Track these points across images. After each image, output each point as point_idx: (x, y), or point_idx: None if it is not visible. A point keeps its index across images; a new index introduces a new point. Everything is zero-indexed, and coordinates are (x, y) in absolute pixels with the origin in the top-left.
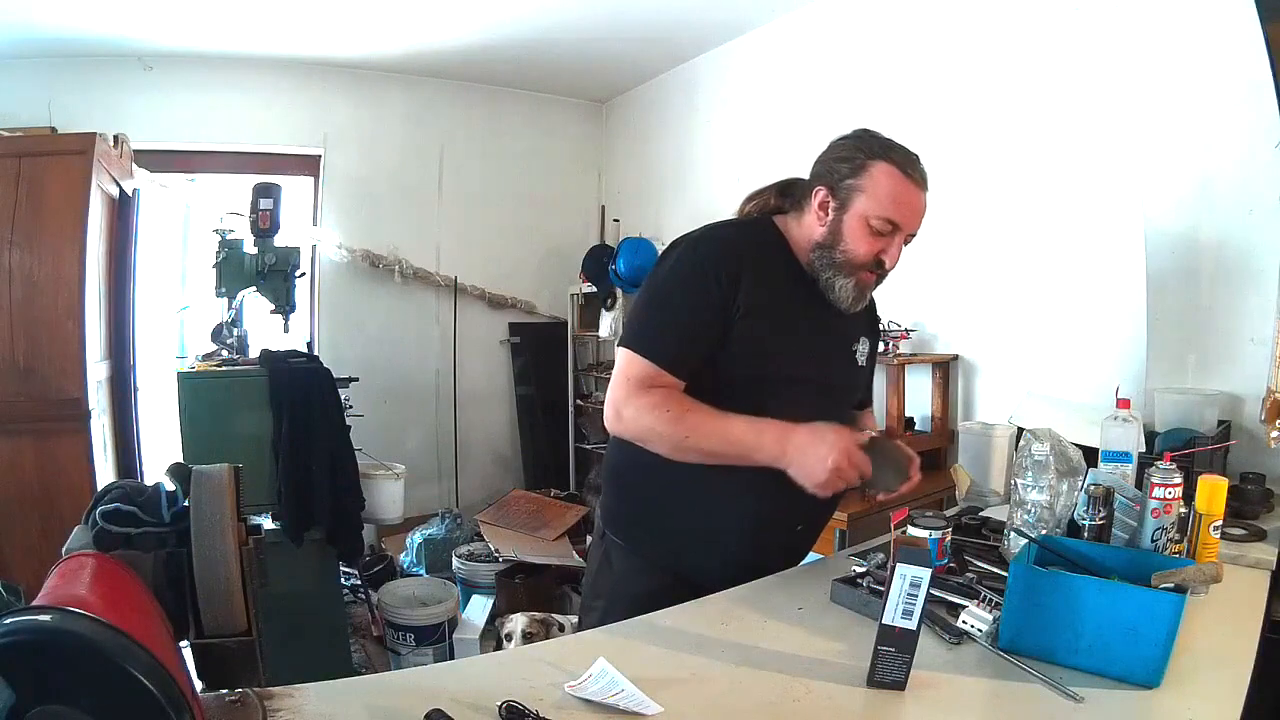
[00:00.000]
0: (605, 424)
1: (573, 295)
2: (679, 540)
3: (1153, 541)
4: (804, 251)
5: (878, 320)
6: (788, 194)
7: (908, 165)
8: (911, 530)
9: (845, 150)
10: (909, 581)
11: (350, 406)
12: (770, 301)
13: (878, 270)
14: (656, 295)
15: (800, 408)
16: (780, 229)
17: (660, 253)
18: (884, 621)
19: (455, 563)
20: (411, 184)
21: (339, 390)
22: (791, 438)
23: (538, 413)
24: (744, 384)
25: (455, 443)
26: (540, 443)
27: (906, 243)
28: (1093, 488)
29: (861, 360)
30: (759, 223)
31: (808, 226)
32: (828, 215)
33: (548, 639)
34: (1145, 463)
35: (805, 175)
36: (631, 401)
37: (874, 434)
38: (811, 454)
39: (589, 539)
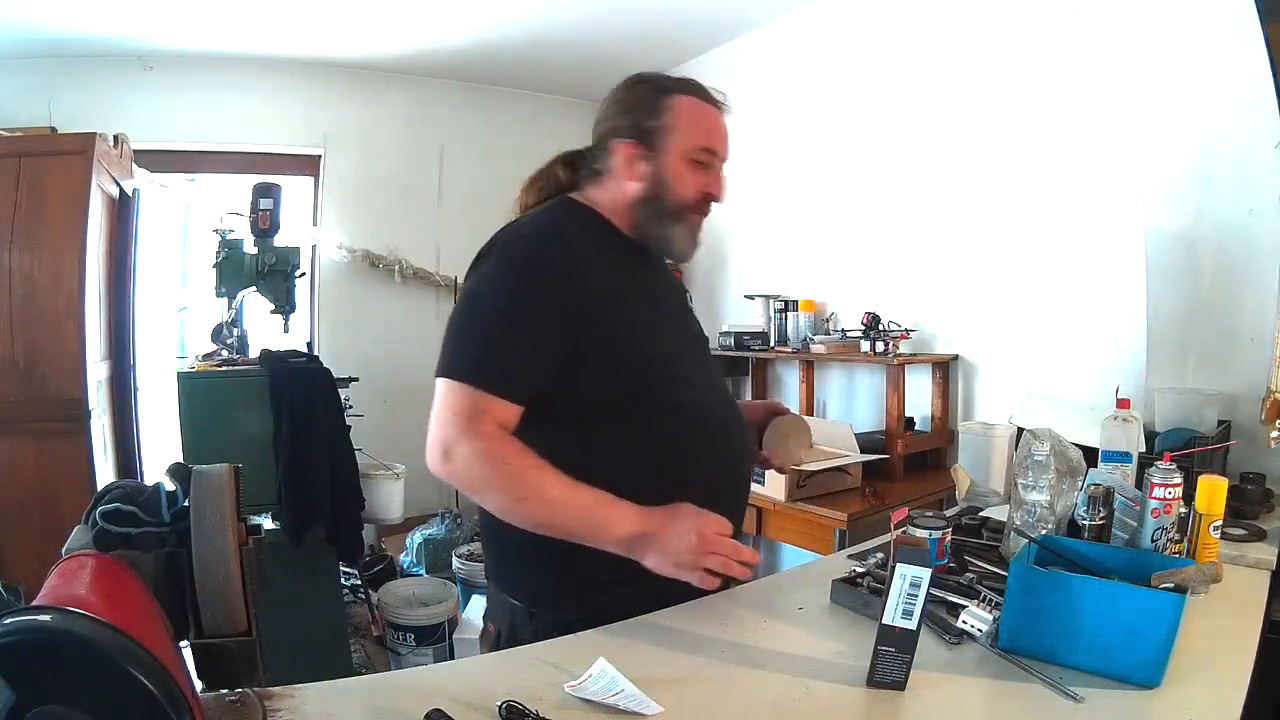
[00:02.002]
0: (429, 465)
1: None
2: (607, 575)
3: (1153, 541)
4: (622, 217)
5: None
6: (574, 168)
7: (704, 91)
8: (911, 530)
9: (632, 98)
10: (909, 581)
11: (350, 406)
12: (614, 286)
13: (704, 209)
14: (474, 312)
15: (685, 388)
16: (586, 204)
17: (471, 263)
18: (884, 621)
19: (455, 563)
20: (411, 184)
21: (339, 390)
22: (652, 516)
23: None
24: (624, 385)
25: None
26: None
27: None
28: (1093, 488)
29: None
30: (564, 206)
31: (615, 189)
32: (641, 167)
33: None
34: (1145, 463)
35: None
36: (464, 443)
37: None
38: (675, 532)
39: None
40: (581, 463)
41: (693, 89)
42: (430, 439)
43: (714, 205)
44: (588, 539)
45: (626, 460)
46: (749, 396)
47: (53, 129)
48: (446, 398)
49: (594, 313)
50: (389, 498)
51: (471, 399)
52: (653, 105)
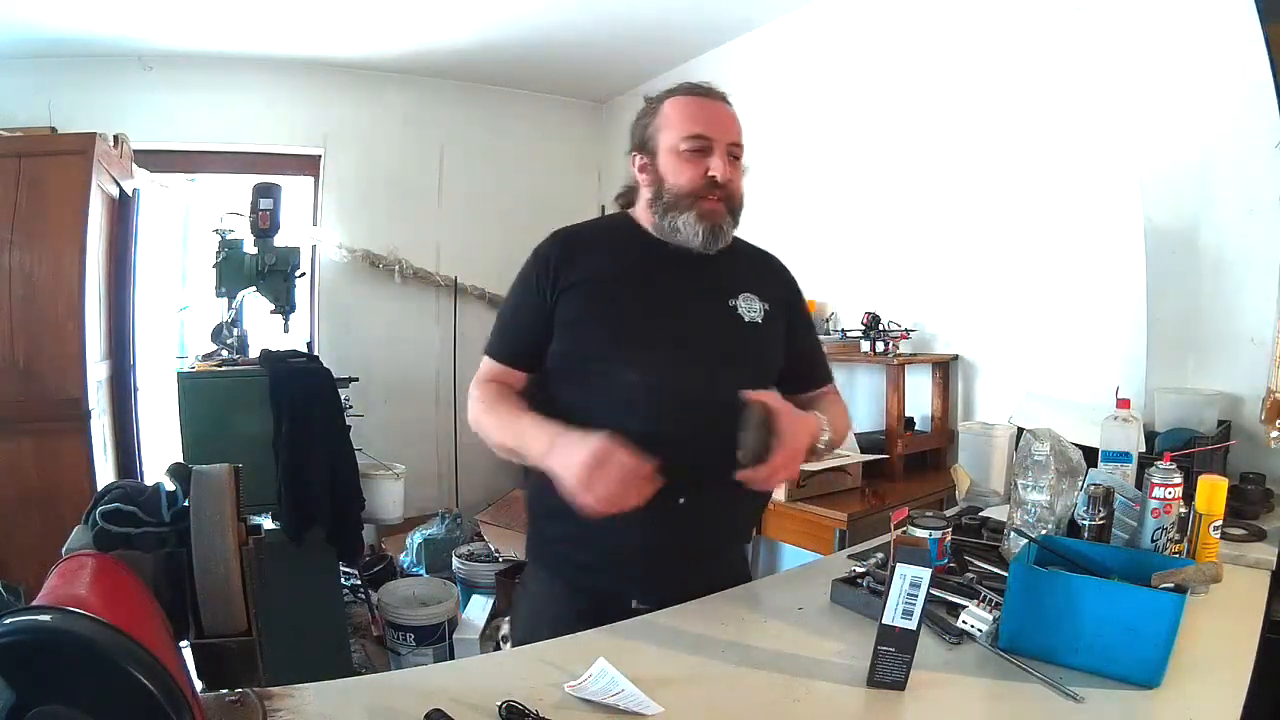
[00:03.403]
0: None
1: None
2: (571, 536)
3: (1153, 541)
4: (650, 221)
5: (785, 283)
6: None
7: (695, 90)
8: (912, 530)
9: (638, 117)
10: (909, 581)
11: (350, 406)
12: (602, 275)
13: (714, 192)
14: (504, 301)
15: (651, 374)
16: (632, 217)
17: None
18: (884, 621)
19: (455, 563)
20: (411, 184)
21: (339, 390)
22: (561, 435)
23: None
24: (577, 355)
25: (455, 443)
26: None
27: (737, 157)
28: (1093, 488)
29: (751, 317)
30: (610, 216)
31: (643, 197)
32: (647, 173)
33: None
34: (1145, 463)
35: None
36: (470, 395)
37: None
38: (566, 456)
39: None
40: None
41: (682, 89)
42: None
43: (743, 189)
44: (527, 456)
45: (571, 421)
46: None
47: (53, 129)
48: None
49: (567, 294)
50: (389, 498)
51: (485, 367)
52: (648, 115)
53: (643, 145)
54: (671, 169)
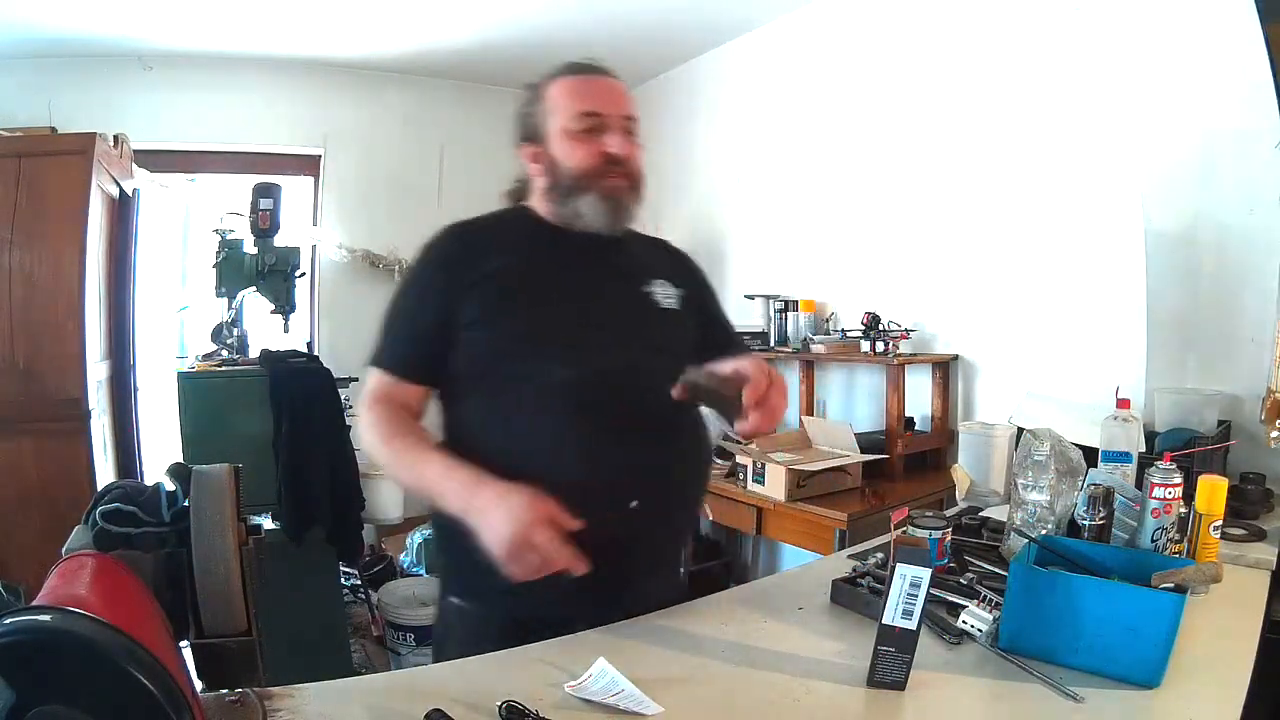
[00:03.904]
0: None
1: None
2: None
3: (1153, 541)
4: (548, 210)
5: (691, 269)
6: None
7: (578, 68)
8: (912, 530)
9: (520, 105)
10: (909, 581)
11: (350, 406)
12: (509, 268)
13: (613, 169)
14: (388, 306)
15: (566, 366)
16: (526, 207)
17: None
18: (884, 621)
19: None
20: (411, 184)
21: (339, 390)
22: (477, 493)
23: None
24: (492, 357)
25: None
26: None
27: (632, 132)
28: (1093, 488)
29: (667, 304)
30: (506, 209)
31: (538, 188)
32: (541, 162)
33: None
34: (1145, 463)
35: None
36: (361, 417)
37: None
38: (493, 519)
39: None
40: (463, 433)
41: (564, 70)
42: None
43: (639, 168)
44: (437, 505)
45: (492, 430)
46: None
47: (53, 129)
48: (365, 382)
49: (484, 293)
50: (389, 498)
51: (375, 381)
52: (532, 103)
53: (532, 135)
54: (565, 151)
